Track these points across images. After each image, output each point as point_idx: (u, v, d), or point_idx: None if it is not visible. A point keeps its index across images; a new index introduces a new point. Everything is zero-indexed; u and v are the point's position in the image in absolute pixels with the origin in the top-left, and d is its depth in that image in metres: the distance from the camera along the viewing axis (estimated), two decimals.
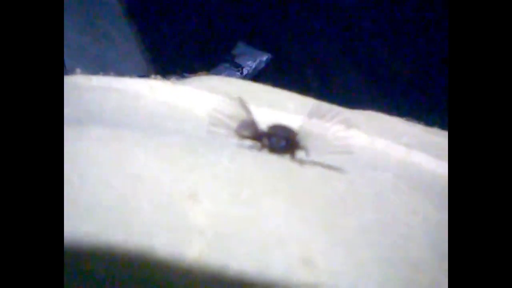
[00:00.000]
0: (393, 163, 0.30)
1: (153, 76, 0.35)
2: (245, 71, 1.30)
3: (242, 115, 0.26)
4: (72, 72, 0.32)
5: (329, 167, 0.25)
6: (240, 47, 1.37)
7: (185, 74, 1.37)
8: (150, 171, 0.19)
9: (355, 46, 1.31)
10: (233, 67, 1.29)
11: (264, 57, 1.36)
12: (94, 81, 0.33)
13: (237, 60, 1.30)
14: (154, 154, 0.20)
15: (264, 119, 0.32)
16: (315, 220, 0.20)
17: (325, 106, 0.38)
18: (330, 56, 1.29)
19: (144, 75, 1.18)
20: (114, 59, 1.22)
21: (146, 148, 0.21)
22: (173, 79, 0.35)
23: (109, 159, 0.19)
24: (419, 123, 0.40)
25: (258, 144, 0.25)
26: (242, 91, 0.37)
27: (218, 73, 1.29)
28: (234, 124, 0.25)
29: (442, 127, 0.43)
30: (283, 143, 0.24)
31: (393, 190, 0.25)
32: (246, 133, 0.25)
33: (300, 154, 0.25)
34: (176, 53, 1.31)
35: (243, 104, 0.26)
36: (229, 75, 1.27)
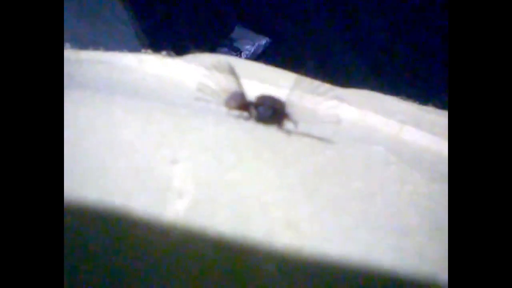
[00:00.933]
0: (384, 138, 0.30)
1: (143, 50, 0.34)
2: (243, 55, 1.29)
3: (231, 85, 0.25)
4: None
5: (317, 137, 0.25)
6: (239, 31, 1.36)
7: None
8: (132, 135, 0.19)
9: (354, 30, 1.30)
10: (232, 51, 1.28)
11: (263, 41, 1.35)
12: (83, 55, 0.32)
13: (236, 44, 1.29)
14: (138, 118, 0.20)
15: (254, 92, 0.31)
16: (301, 187, 0.20)
17: (317, 82, 0.38)
18: (330, 40, 1.28)
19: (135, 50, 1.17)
20: (109, 43, 1.21)
21: (131, 113, 0.20)
22: (164, 53, 0.34)
23: (87, 122, 0.19)
24: (415, 102, 0.40)
25: (246, 113, 0.25)
26: (234, 65, 0.37)
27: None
28: (222, 94, 0.24)
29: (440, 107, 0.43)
30: (270, 112, 0.24)
31: (382, 161, 0.24)
32: (233, 102, 0.24)
33: (288, 125, 0.25)
34: (173, 37, 1.30)
35: (232, 74, 0.25)
36: None
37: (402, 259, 0.19)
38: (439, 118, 0.36)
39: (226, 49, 1.26)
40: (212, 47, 1.28)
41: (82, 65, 0.32)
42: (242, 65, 0.39)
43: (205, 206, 0.17)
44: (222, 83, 0.25)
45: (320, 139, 0.25)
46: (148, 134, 0.19)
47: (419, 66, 1.17)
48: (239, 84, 0.26)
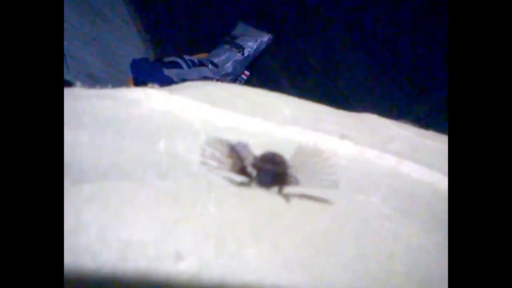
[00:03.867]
0: (382, 174, 0.31)
1: (150, 85, 0.36)
2: (246, 52, 1.29)
3: (233, 154, 0.26)
4: (72, 84, 0.33)
5: (315, 199, 0.26)
6: (241, 27, 1.35)
7: (185, 56, 1.35)
8: (138, 233, 0.20)
9: (357, 25, 1.30)
10: (234, 48, 1.28)
11: (265, 37, 1.34)
12: (91, 92, 0.34)
13: (238, 41, 1.29)
14: (143, 212, 0.22)
15: (258, 131, 0.33)
16: (297, 263, 0.21)
17: (317, 109, 0.39)
18: (332, 36, 1.28)
19: (146, 57, 1.17)
20: (112, 41, 1.22)
21: (134, 206, 0.22)
22: (168, 88, 0.36)
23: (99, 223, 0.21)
24: (413, 125, 0.41)
25: (247, 178, 0.26)
26: (237, 97, 0.38)
27: (218, 54, 1.29)
28: (225, 161, 0.26)
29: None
30: (270, 178, 0.25)
31: (377, 217, 0.26)
32: (235, 168, 0.26)
33: (287, 188, 0.26)
34: (175, 34, 1.31)
35: (232, 148, 0.27)
36: (230, 56, 1.27)
37: None
38: (436, 144, 0.37)
39: (228, 46, 1.27)
40: (213, 44, 1.29)
41: (91, 100, 0.34)
42: (241, 93, 0.40)
43: None
44: (224, 152, 0.26)
45: (317, 199, 0.26)
46: (154, 230, 0.21)
47: (420, 62, 1.17)
48: (239, 153, 0.27)
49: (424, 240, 0.25)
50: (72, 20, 1.19)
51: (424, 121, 0.42)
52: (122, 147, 0.29)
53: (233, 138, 0.29)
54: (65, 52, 1.16)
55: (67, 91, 0.34)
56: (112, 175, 0.26)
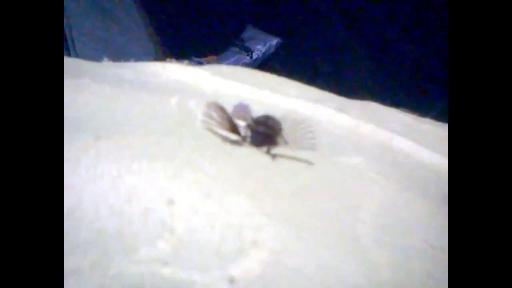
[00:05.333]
0: (373, 146, 0.34)
1: (168, 59, 0.40)
2: (254, 56, 1.33)
3: (228, 116, 0.30)
4: (99, 59, 0.38)
5: (300, 160, 0.29)
6: (250, 31, 1.40)
7: (194, 58, 1.40)
8: (141, 183, 0.25)
9: (365, 29, 1.34)
10: (243, 51, 1.32)
11: (274, 41, 1.36)
12: (116, 63, 0.38)
13: (247, 44, 1.33)
14: (147, 166, 0.26)
15: (264, 101, 0.37)
16: (273, 214, 0.25)
17: (321, 94, 0.43)
18: (340, 40, 1.32)
19: (157, 58, 1.22)
20: (122, 42, 1.27)
21: (141, 160, 0.26)
22: (186, 62, 0.40)
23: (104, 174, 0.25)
24: (413, 113, 0.43)
25: (241, 137, 0.30)
26: (248, 76, 0.42)
27: (227, 57, 1.33)
28: (222, 122, 0.30)
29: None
30: (260, 139, 0.29)
31: (358, 175, 0.29)
32: (232, 128, 0.29)
33: (275, 149, 0.30)
34: (185, 37, 1.35)
35: (225, 111, 0.31)
36: (239, 59, 1.31)
37: (358, 272, 0.24)
38: (432, 129, 0.40)
39: (236, 49, 1.31)
40: (222, 47, 1.33)
41: (115, 68, 0.38)
42: (252, 74, 0.44)
43: (192, 235, 0.23)
44: (223, 114, 0.31)
45: (302, 160, 0.30)
46: (154, 181, 0.25)
47: (423, 64, 1.21)
48: (238, 113, 0.32)
49: (398, 199, 0.28)
50: (85, 22, 1.24)
51: None
52: (137, 102, 0.33)
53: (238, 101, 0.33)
54: (77, 52, 1.22)
55: (96, 62, 0.38)
56: (125, 129, 0.30)
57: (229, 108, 0.32)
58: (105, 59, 0.38)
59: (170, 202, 0.24)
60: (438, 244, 0.26)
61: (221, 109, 0.30)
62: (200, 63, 1.25)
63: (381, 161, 0.33)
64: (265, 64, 1.35)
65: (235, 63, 1.31)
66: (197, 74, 0.40)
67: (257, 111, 0.33)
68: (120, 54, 1.27)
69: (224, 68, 0.42)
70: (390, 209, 0.28)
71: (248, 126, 0.31)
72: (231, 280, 0.22)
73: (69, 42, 1.18)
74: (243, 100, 0.34)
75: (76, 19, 1.22)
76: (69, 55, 1.18)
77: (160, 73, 0.39)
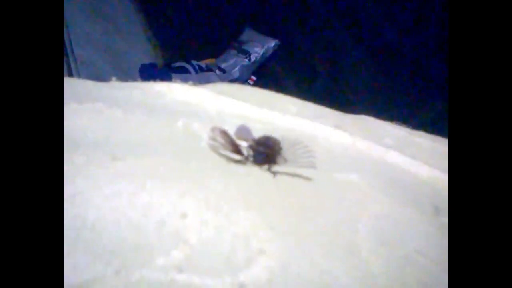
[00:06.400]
0: (367, 163, 0.37)
1: (174, 80, 0.42)
2: (252, 58, 1.34)
3: (231, 140, 0.33)
4: (108, 79, 0.40)
5: (300, 176, 0.32)
6: (247, 33, 1.41)
7: (192, 61, 1.42)
8: (155, 199, 0.27)
9: (364, 30, 1.36)
10: (241, 54, 1.34)
11: (272, 43, 1.36)
12: (124, 84, 0.41)
13: (245, 47, 1.35)
14: (160, 184, 0.28)
15: (264, 119, 0.40)
16: (277, 226, 0.28)
17: (318, 109, 0.45)
18: (338, 41, 1.34)
19: (154, 63, 1.24)
20: (121, 46, 1.29)
21: (154, 180, 0.29)
22: (190, 83, 0.42)
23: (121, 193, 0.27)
24: (407, 126, 0.45)
25: (244, 157, 0.33)
26: (248, 94, 0.45)
27: (225, 59, 1.35)
28: (226, 144, 0.33)
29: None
30: (262, 158, 0.32)
31: (354, 190, 0.32)
32: (235, 149, 0.32)
33: (276, 167, 0.32)
34: (183, 39, 1.37)
35: (229, 135, 0.34)
36: (237, 62, 1.33)
37: (355, 279, 0.26)
38: (424, 141, 0.42)
39: (234, 51, 1.32)
40: (220, 50, 1.35)
41: (124, 90, 0.41)
42: (252, 92, 0.47)
43: (203, 246, 0.25)
44: (224, 138, 0.33)
45: (301, 177, 0.32)
46: (167, 197, 0.28)
47: (423, 65, 1.23)
48: (241, 135, 0.35)
49: (393, 212, 0.31)
50: (84, 26, 1.26)
51: (430, 127, 0.47)
52: (148, 124, 0.36)
53: (240, 123, 0.36)
54: (76, 57, 1.24)
55: (105, 83, 0.41)
56: (139, 150, 0.33)
57: (232, 129, 0.35)
58: (113, 79, 0.41)
59: (183, 215, 0.27)
60: (431, 254, 0.29)
61: (225, 133, 0.33)
62: (199, 66, 1.27)
63: (376, 176, 0.36)
64: (264, 66, 1.37)
65: (233, 65, 1.33)
66: (201, 95, 0.42)
67: (258, 129, 0.36)
68: (119, 58, 1.30)
69: (226, 87, 0.44)
70: (385, 221, 0.31)
71: (250, 147, 0.33)
72: (241, 285, 0.24)
73: (68, 46, 1.21)
74: (245, 122, 0.36)
75: (75, 22, 1.24)
76: (68, 59, 1.21)
77: (166, 93, 0.42)
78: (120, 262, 0.24)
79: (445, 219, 0.32)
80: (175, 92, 0.43)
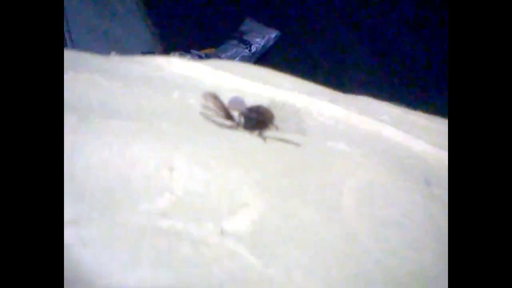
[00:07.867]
0: (360, 135, 0.38)
1: (172, 53, 0.44)
2: (253, 48, 1.34)
3: (223, 106, 0.35)
4: (107, 54, 0.41)
5: (289, 142, 0.33)
6: (248, 24, 1.40)
7: (192, 51, 1.43)
8: (145, 152, 0.29)
9: (364, 23, 1.37)
10: (241, 44, 1.34)
11: (273, 33, 1.37)
12: (124, 58, 0.42)
13: (245, 37, 1.36)
14: (150, 141, 0.30)
15: (259, 93, 0.41)
16: (263, 183, 0.29)
17: (315, 87, 0.46)
18: (339, 33, 1.35)
19: (153, 51, 1.25)
20: (120, 34, 1.30)
21: (145, 137, 0.30)
22: (188, 57, 0.44)
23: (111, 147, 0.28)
24: (404, 107, 0.45)
25: (235, 123, 0.34)
26: (246, 70, 0.46)
27: (225, 50, 1.35)
28: (219, 110, 0.34)
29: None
30: (252, 124, 0.33)
31: (343, 158, 0.33)
32: (228, 116, 0.34)
33: (266, 132, 0.34)
34: (183, 29, 1.38)
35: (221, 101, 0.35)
36: (237, 52, 1.34)
37: (336, 234, 0.28)
38: (421, 120, 0.43)
39: (235, 42, 1.33)
40: (221, 40, 1.36)
41: (123, 63, 0.42)
42: (249, 69, 0.48)
43: (188, 198, 0.27)
44: (216, 104, 0.35)
45: (290, 142, 0.34)
46: (156, 150, 0.29)
47: (422, 58, 1.24)
48: (234, 105, 0.36)
49: (381, 178, 0.32)
50: (82, 13, 1.27)
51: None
52: (143, 94, 0.38)
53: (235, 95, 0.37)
54: (74, 44, 1.25)
55: (105, 57, 0.42)
56: (133, 114, 0.34)
57: (226, 101, 0.36)
58: (113, 53, 0.42)
59: (171, 168, 0.28)
60: (416, 218, 0.30)
61: (217, 99, 0.34)
62: (199, 56, 1.28)
63: (368, 147, 0.37)
64: (264, 57, 1.38)
65: (234, 56, 1.33)
66: (199, 69, 0.43)
67: (252, 103, 0.37)
68: (117, 46, 1.31)
69: (223, 63, 0.46)
70: (372, 186, 0.32)
71: (242, 113, 0.35)
72: (223, 232, 0.26)
73: (67, 34, 1.22)
74: (238, 93, 0.37)
75: (74, 10, 1.25)
76: (66, 46, 1.22)
77: (165, 66, 0.43)
78: (105, 205, 0.26)
79: (436, 190, 0.33)
80: (174, 65, 0.44)
